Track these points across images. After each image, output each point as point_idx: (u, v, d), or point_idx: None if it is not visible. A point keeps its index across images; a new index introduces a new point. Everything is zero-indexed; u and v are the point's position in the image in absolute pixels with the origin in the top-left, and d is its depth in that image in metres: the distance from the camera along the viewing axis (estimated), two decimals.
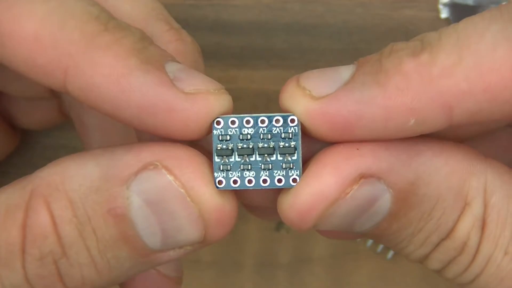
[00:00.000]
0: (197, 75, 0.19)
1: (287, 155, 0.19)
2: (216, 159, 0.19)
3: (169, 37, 0.23)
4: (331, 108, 0.18)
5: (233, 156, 0.19)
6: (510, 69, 0.17)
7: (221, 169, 0.19)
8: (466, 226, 0.19)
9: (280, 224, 0.33)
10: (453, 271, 0.20)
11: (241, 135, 0.19)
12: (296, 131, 0.19)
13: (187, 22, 0.32)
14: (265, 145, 0.19)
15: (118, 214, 0.18)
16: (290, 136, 0.19)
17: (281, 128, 0.19)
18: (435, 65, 0.18)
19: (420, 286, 0.32)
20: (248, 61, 0.33)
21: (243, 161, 0.19)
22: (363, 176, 0.18)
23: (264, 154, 0.19)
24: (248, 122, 0.19)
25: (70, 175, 0.19)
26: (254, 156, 0.19)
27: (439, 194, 0.19)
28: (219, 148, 0.19)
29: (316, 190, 0.18)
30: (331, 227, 0.19)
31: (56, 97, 0.27)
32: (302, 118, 0.19)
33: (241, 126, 0.19)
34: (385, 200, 0.19)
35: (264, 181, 0.19)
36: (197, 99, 0.19)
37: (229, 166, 0.19)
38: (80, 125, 0.25)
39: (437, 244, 0.19)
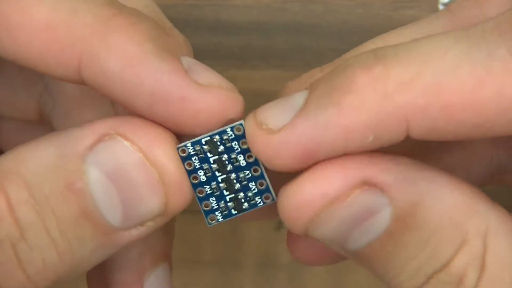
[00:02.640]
0: (211, 70, 0.19)
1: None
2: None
3: None
4: (290, 138, 0.18)
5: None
6: (469, 91, 0.17)
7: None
8: (463, 262, 0.18)
9: (280, 224, 0.33)
10: None
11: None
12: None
13: (187, 22, 0.32)
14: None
15: (77, 188, 0.18)
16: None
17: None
18: (390, 78, 0.17)
19: None
20: (248, 61, 0.33)
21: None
22: (367, 183, 0.18)
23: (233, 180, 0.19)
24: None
25: (24, 159, 0.18)
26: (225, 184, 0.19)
27: (438, 223, 0.18)
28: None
29: (317, 185, 0.18)
30: (323, 236, 0.19)
31: (45, 123, 0.26)
32: (264, 155, 0.18)
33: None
34: (385, 215, 0.18)
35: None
36: (211, 91, 0.18)
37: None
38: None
39: (431, 276, 0.18)
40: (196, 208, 0.34)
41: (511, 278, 0.18)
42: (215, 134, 0.19)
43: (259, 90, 0.33)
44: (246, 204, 0.19)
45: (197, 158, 0.19)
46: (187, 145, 0.19)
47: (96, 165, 0.18)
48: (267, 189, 0.19)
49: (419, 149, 0.24)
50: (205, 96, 0.18)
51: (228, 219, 0.20)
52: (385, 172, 0.18)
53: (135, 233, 0.19)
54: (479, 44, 0.17)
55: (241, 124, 0.19)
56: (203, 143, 0.19)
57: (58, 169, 0.18)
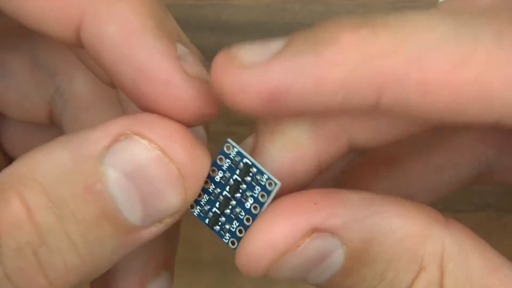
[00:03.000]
0: (201, 65, 0.19)
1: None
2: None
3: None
4: (261, 76, 0.17)
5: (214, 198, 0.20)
6: (449, 71, 0.17)
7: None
8: None
9: None
10: None
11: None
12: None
13: (187, 22, 0.32)
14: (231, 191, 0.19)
15: (96, 190, 0.18)
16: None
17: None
18: (376, 42, 0.17)
19: None
20: None
21: (215, 200, 0.20)
22: (316, 231, 0.18)
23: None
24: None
25: (39, 163, 0.18)
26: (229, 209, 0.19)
27: (392, 255, 0.18)
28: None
29: (266, 239, 0.18)
30: (283, 277, 0.19)
31: (55, 127, 0.26)
32: (230, 89, 0.18)
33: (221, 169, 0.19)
34: (338, 255, 0.18)
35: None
36: (195, 83, 0.18)
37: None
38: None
39: None
40: None
41: None
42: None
43: None
44: (217, 228, 0.20)
45: (218, 180, 0.19)
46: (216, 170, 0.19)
47: (114, 165, 0.18)
48: (238, 236, 0.19)
49: (408, 149, 0.24)
50: (188, 85, 0.18)
51: (200, 220, 0.20)
52: (332, 216, 0.18)
53: (154, 230, 0.19)
54: (466, 27, 0.17)
55: (275, 183, 0.19)
56: (225, 169, 0.19)
57: (75, 173, 0.18)
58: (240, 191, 0.19)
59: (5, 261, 0.18)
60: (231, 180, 0.19)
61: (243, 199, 0.19)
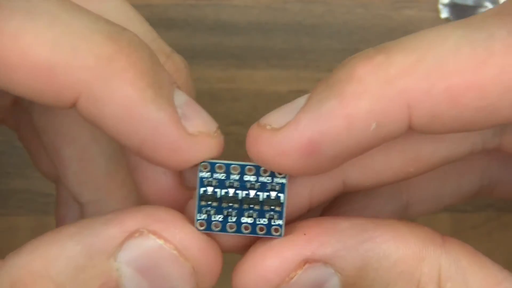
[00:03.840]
0: (201, 113, 0.19)
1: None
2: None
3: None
4: (293, 133, 0.18)
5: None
6: (471, 72, 0.17)
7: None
8: None
9: None
10: None
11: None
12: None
13: (187, 22, 0.32)
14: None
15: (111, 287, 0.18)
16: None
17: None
18: (392, 65, 0.17)
19: None
20: (248, 61, 0.33)
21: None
22: (308, 261, 0.18)
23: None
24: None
25: (51, 259, 0.18)
26: (238, 204, 0.19)
27: (389, 280, 0.18)
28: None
29: (258, 274, 0.18)
30: None
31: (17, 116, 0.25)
32: (268, 154, 0.18)
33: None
34: (334, 284, 0.19)
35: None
36: (199, 142, 0.19)
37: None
38: (55, 154, 0.24)
39: None
40: None
41: None
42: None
43: (259, 90, 0.33)
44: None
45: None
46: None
47: (129, 262, 0.18)
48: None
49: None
50: (193, 146, 0.19)
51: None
52: (323, 245, 0.18)
53: None
54: (479, 28, 0.17)
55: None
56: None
57: (89, 269, 0.18)
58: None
59: None
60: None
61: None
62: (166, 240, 0.18)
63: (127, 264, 0.18)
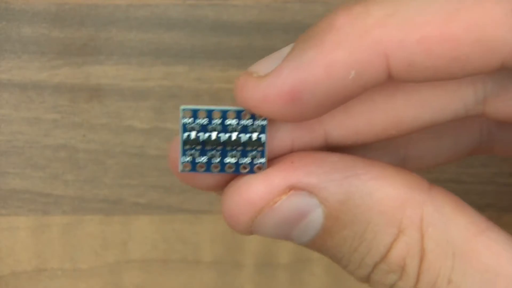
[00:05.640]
0: None
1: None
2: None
3: None
4: (276, 80, 0.18)
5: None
6: (443, 23, 0.18)
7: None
8: (400, 252, 0.19)
9: None
10: None
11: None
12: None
13: (187, 22, 0.32)
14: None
15: None
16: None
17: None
18: (370, 15, 0.18)
19: None
20: (248, 61, 0.33)
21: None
22: (293, 188, 0.19)
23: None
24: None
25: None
26: (221, 146, 0.20)
27: (370, 218, 0.19)
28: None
29: (244, 197, 0.19)
30: (267, 234, 0.20)
31: None
32: (253, 100, 0.19)
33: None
34: (317, 215, 0.19)
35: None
36: None
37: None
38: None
39: (374, 267, 0.20)
40: (196, 208, 0.34)
41: (452, 261, 0.19)
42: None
43: None
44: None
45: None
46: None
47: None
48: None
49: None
50: None
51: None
52: (309, 175, 0.19)
53: None
54: None
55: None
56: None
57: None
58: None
59: None
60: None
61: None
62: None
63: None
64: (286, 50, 0.19)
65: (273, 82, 0.18)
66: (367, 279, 0.20)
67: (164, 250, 0.33)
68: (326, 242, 0.20)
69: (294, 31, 0.33)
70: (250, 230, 0.20)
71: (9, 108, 0.32)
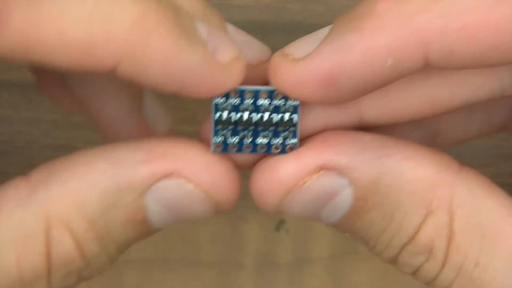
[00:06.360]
0: (223, 38, 0.20)
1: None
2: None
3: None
4: (313, 63, 0.18)
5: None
6: (485, 11, 0.17)
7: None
8: (429, 233, 0.19)
9: (280, 224, 0.33)
10: (424, 278, 0.20)
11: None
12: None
13: None
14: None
15: (138, 220, 0.19)
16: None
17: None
18: (411, 2, 0.18)
19: (420, 286, 0.32)
20: None
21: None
22: (323, 168, 0.19)
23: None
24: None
25: (84, 195, 0.19)
26: (253, 126, 0.20)
27: (400, 198, 0.19)
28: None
29: (273, 176, 0.19)
30: (296, 214, 0.20)
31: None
32: (288, 83, 0.19)
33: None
34: (347, 195, 0.19)
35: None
36: (231, 69, 0.19)
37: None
38: (102, 117, 0.25)
39: (402, 248, 0.19)
40: None
41: (481, 244, 0.19)
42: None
43: None
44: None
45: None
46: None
47: (157, 201, 0.19)
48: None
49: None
50: (228, 75, 0.19)
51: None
52: (341, 154, 0.19)
53: None
54: None
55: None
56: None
57: (120, 206, 0.19)
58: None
59: (53, 284, 0.19)
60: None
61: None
62: (196, 185, 0.19)
63: (156, 202, 0.19)
64: (323, 32, 0.19)
65: (309, 66, 0.18)
66: (394, 260, 0.20)
67: (164, 250, 0.33)
68: (354, 223, 0.19)
69: (294, 31, 0.33)
70: (278, 209, 0.20)
71: (9, 108, 0.32)
